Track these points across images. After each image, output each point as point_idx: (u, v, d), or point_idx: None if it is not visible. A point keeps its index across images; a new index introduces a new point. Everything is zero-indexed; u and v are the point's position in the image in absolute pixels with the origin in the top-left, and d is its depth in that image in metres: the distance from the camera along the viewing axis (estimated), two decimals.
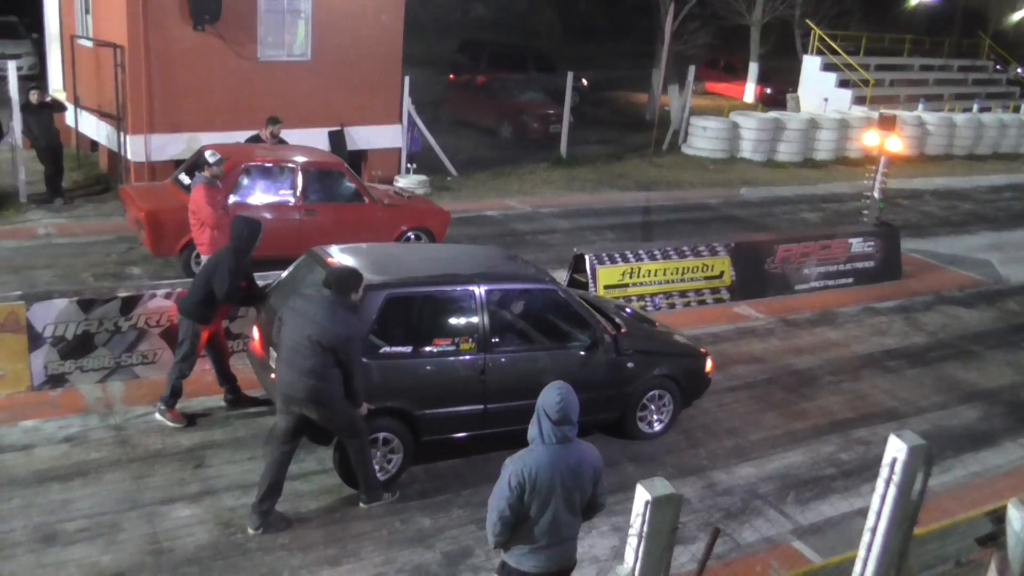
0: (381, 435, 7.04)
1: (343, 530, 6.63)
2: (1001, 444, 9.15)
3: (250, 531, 6.49)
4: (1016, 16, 42.06)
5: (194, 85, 14.42)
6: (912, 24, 39.77)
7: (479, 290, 7.40)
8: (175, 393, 7.88)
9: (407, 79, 16.87)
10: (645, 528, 4.13)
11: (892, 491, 4.92)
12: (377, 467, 7.02)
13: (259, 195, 11.22)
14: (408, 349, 7.16)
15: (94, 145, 16.37)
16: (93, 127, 15.76)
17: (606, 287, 11.15)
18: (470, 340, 7.32)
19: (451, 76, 26.00)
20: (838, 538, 7.03)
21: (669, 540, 4.21)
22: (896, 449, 4.93)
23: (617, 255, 11.44)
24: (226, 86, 14.66)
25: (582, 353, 7.83)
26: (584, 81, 26.77)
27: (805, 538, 7.16)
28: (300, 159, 11.61)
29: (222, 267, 7.60)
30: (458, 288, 7.42)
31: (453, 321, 7.41)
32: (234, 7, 14.43)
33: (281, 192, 11.37)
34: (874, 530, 5.01)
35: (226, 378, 8.29)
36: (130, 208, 11.46)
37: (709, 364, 8.71)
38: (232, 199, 10.83)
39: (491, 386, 7.39)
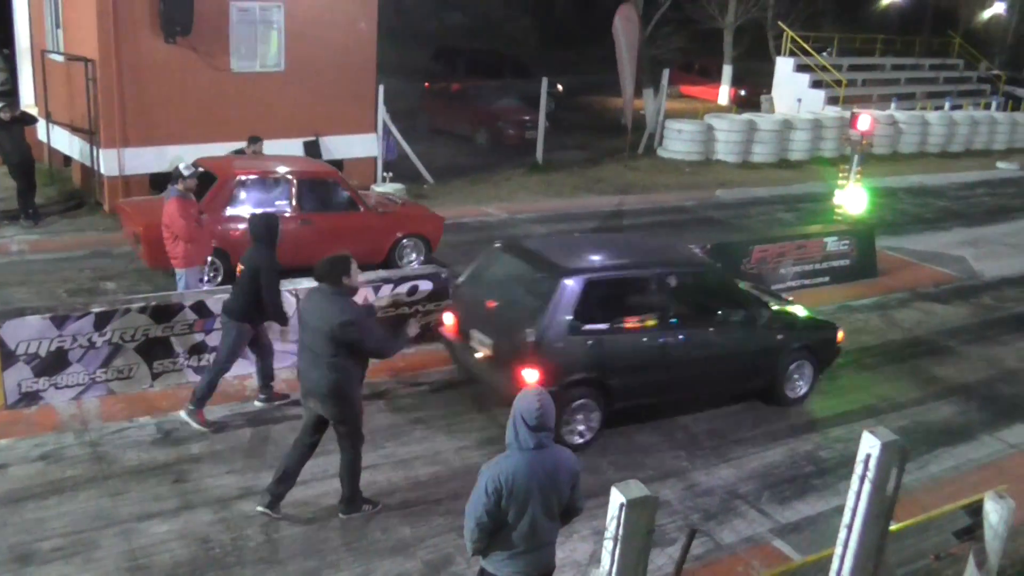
0: (581, 402, 7.95)
1: (323, 542, 6.60)
2: (978, 438, 9.23)
3: (258, 508, 6.71)
4: (986, 14, 42.57)
5: (167, 98, 14.35)
6: (884, 24, 40.15)
7: (661, 273, 8.53)
8: (207, 394, 8.03)
9: (382, 88, 16.86)
10: (620, 531, 4.13)
11: (867, 487, 4.94)
12: (577, 430, 8.00)
13: (256, 206, 11.19)
14: (604, 327, 8.03)
15: (67, 160, 16.25)
16: (66, 142, 15.66)
17: None
18: (653, 317, 8.27)
19: (426, 84, 25.98)
20: (818, 535, 7.06)
21: (645, 542, 4.21)
22: (870, 445, 4.96)
23: None
24: (199, 98, 14.59)
25: (742, 326, 8.85)
26: (559, 86, 26.82)
27: (785, 536, 7.20)
28: (295, 170, 11.75)
29: (265, 266, 7.80)
30: (644, 272, 8.59)
31: (640, 301, 8.38)
32: (206, 19, 14.37)
33: (277, 203, 11.42)
34: (850, 527, 5.04)
35: (266, 376, 8.43)
36: (127, 223, 11.50)
37: (840, 335, 9.62)
38: (229, 211, 11.03)
39: (670, 357, 8.32)
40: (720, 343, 8.62)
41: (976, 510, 5.78)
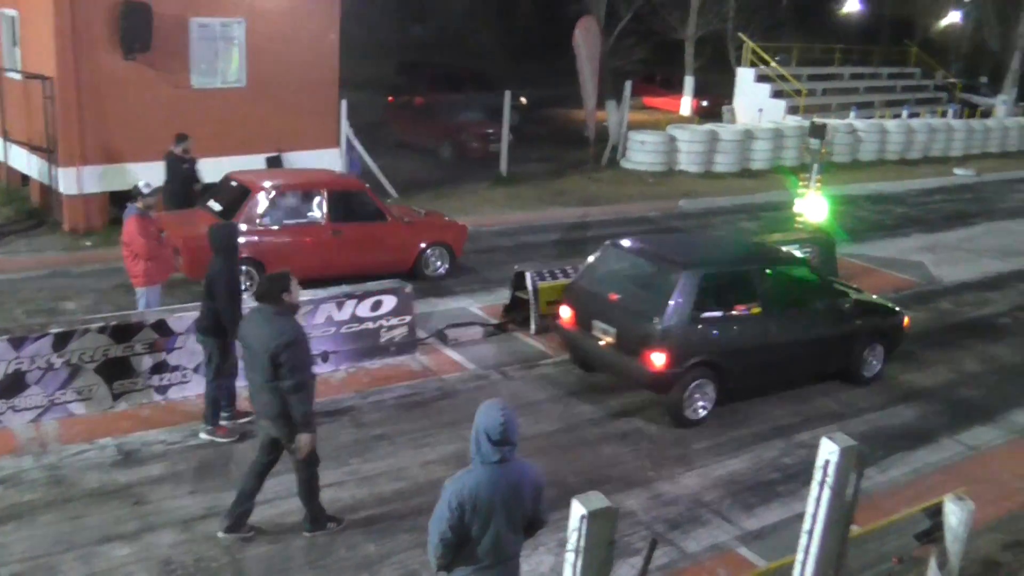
0: (700, 381, 9.01)
1: (287, 561, 6.54)
2: (938, 441, 9.36)
3: (219, 535, 6.59)
4: (942, 24, 43.38)
5: (127, 115, 14.21)
6: (842, 34, 40.74)
7: (762, 268, 9.77)
8: (216, 410, 8.02)
9: (344, 102, 16.84)
10: (582, 543, 4.14)
11: (826, 493, 4.99)
12: (698, 406, 9.07)
13: (290, 218, 11.81)
14: (719, 314, 9.09)
15: (25, 179, 16.02)
16: (23, 161, 15.44)
17: (548, 303, 11.18)
18: (758, 305, 9.30)
19: (390, 98, 25.95)
20: (783, 542, 7.08)
21: (607, 554, 4.22)
22: (828, 451, 5.01)
23: (558, 271, 11.49)
24: (160, 115, 14.44)
25: (830, 313, 10.01)
26: (523, 99, 26.89)
27: (750, 544, 7.24)
28: (325, 182, 12.39)
29: (222, 277, 7.72)
30: (750, 265, 9.79)
31: (747, 291, 9.41)
32: (165, 36, 14.26)
33: (310, 214, 11.93)
34: (811, 532, 5.08)
35: (229, 396, 8.36)
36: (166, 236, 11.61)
37: (906, 321, 10.75)
38: (263, 222, 11.50)
39: (773, 340, 9.38)
40: (812, 328, 9.81)
41: (936, 513, 5.84)
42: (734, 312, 9.24)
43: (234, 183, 12.08)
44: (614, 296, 9.41)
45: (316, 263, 11.58)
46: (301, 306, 6.84)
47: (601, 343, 9.28)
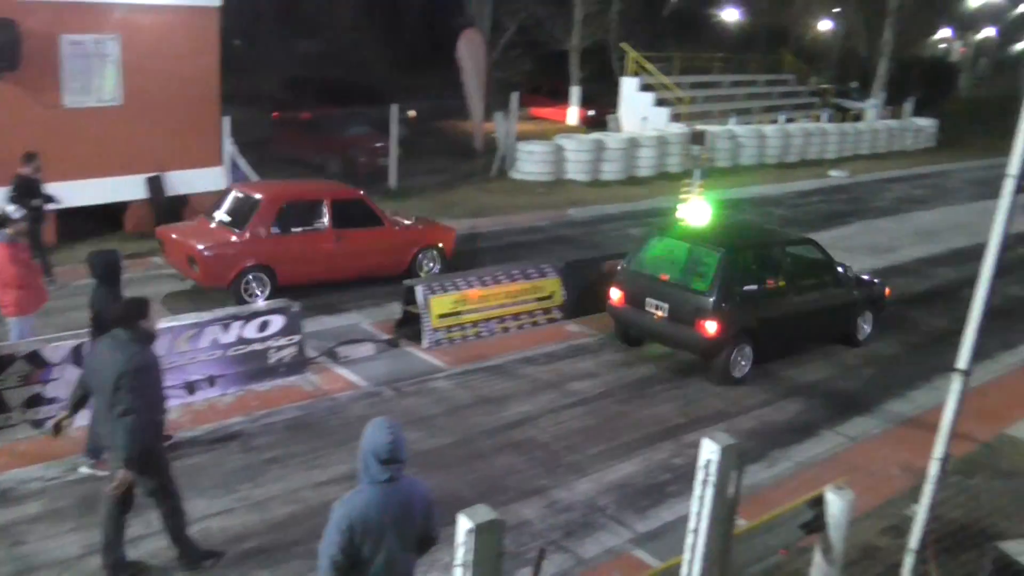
0: (742, 344, 10.63)
1: None
2: (820, 433, 9.72)
3: None
4: (814, 31, 45.31)
5: None
6: (721, 43, 42.05)
7: (785, 248, 11.47)
8: (97, 443, 7.51)
9: (228, 119, 16.48)
10: (470, 557, 4.14)
11: (709, 491, 5.13)
12: (740, 365, 10.72)
13: (297, 226, 12.52)
14: (754, 288, 10.75)
15: None
16: None
17: (440, 316, 11.18)
18: (782, 279, 11.01)
19: (275, 114, 25.50)
20: (677, 541, 7.19)
21: (495, 567, 4.24)
22: (710, 451, 5.15)
23: (448, 283, 11.50)
24: (29, 136, 13.74)
25: (835, 285, 11.70)
26: (411, 113, 26.78)
27: (645, 545, 7.37)
28: (328, 191, 13.30)
29: (105, 308, 7.30)
30: (776, 246, 11.54)
31: (774, 268, 11.09)
32: (34, 53, 13.68)
33: (315, 222, 12.64)
34: (696, 531, 5.21)
35: None
36: (175, 248, 12.21)
37: (887, 291, 12.61)
38: (272, 230, 12.18)
39: (795, 308, 11.10)
40: (824, 298, 11.53)
41: (818, 503, 6.07)
42: (766, 286, 10.85)
43: (241, 194, 12.66)
44: (665, 276, 10.85)
45: (321, 268, 12.58)
46: (158, 335, 6.49)
47: (654, 317, 10.69)
